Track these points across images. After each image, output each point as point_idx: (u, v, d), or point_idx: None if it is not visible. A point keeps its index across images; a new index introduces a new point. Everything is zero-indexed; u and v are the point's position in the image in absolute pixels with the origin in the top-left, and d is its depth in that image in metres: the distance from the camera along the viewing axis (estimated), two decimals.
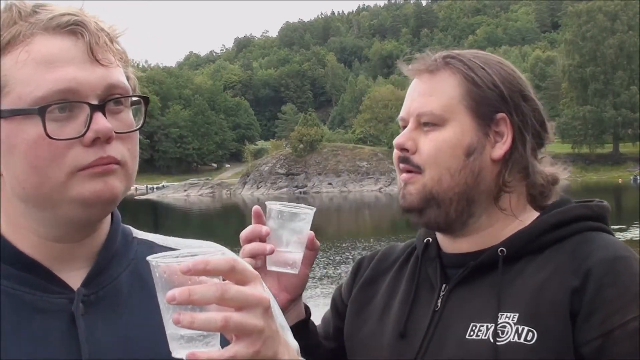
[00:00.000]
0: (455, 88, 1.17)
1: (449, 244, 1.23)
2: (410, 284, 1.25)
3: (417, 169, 1.17)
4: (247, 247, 1.20)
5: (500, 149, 1.16)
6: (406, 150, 1.18)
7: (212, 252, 0.81)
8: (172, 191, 75.46)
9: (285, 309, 1.23)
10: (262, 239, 1.19)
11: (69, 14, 0.91)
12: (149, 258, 0.81)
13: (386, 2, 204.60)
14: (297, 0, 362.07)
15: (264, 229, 1.19)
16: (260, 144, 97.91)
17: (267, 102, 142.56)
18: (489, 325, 1.09)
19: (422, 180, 1.16)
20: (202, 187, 74.07)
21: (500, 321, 1.09)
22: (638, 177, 60.70)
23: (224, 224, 40.39)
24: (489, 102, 1.16)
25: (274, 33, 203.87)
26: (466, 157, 1.15)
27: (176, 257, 0.80)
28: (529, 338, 1.05)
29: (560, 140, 77.58)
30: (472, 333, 1.11)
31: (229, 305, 0.78)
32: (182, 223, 41.59)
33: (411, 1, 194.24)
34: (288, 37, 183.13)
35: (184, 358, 0.78)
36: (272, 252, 1.17)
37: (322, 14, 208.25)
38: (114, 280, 0.96)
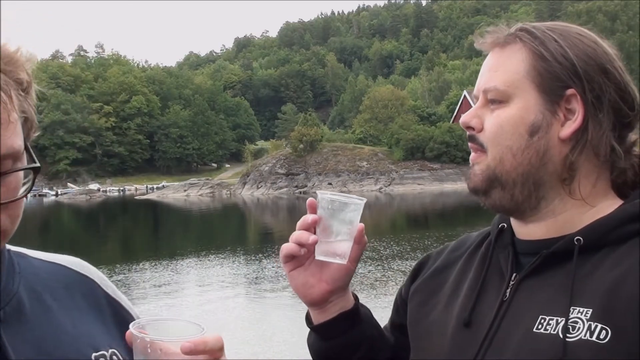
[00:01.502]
0: (521, 62, 1.10)
1: (522, 230, 1.16)
2: (479, 271, 1.19)
3: (482, 148, 1.13)
4: (295, 234, 1.18)
5: (569, 127, 1.08)
6: (472, 128, 1.14)
7: (196, 329, 0.90)
8: (172, 191, 75.41)
9: (322, 301, 1.21)
10: (308, 227, 1.16)
11: None
12: (134, 331, 0.89)
13: (386, 2, 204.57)
14: (297, 0, 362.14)
15: (311, 217, 1.16)
16: (260, 144, 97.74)
17: (267, 102, 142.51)
18: (559, 320, 1.02)
19: (486, 160, 1.12)
20: (202, 187, 74.02)
21: (571, 316, 1.01)
22: None
23: (224, 224, 40.39)
24: (558, 76, 1.07)
25: (274, 33, 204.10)
26: (530, 136, 1.08)
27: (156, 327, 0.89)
28: (601, 336, 0.98)
29: None
30: (540, 326, 1.04)
31: None
32: (182, 223, 41.60)
33: (411, 1, 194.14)
34: (288, 37, 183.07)
35: None
36: (314, 242, 1.15)
37: (322, 14, 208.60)
38: (14, 295, 0.96)
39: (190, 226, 39.29)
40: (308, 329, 1.26)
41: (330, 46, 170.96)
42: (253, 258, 21.83)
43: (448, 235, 25.39)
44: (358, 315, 1.26)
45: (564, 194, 1.11)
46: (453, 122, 71.76)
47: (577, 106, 1.08)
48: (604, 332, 0.98)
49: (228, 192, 70.40)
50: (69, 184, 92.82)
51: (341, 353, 1.23)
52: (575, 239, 1.07)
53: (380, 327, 1.33)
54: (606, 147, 1.08)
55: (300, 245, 1.16)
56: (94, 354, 0.95)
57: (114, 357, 0.98)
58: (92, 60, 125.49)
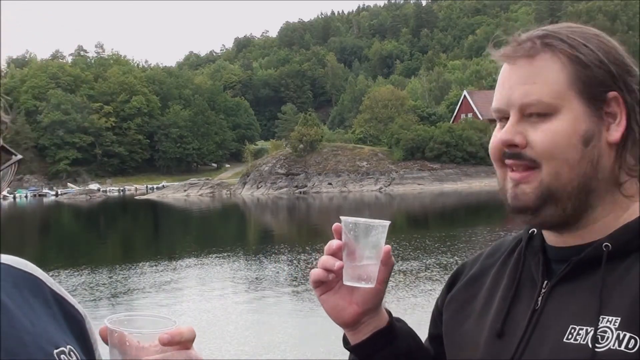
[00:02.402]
0: (561, 72, 1.05)
1: (554, 236, 1.13)
2: (511, 279, 1.17)
3: (533, 164, 1.06)
4: (321, 259, 1.17)
5: (616, 130, 1.06)
6: (515, 145, 1.07)
7: (166, 322, 0.93)
8: (172, 191, 75.43)
9: (355, 322, 1.21)
10: (334, 252, 1.15)
11: None
12: (110, 326, 0.91)
13: (386, 2, 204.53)
14: (297, 0, 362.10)
15: (336, 243, 1.15)
16: (260, 144, 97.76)
17: (267, 102, 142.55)
18: (589, 329, 1.01)
19: (539, 176, 1.06)
20: (202, 187, 74.02)
21: (600, 325, 1.00)
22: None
23: (224, 224, 40.38)
24: (599, 82, 1.05)
25: (274, 33, 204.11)
26: (584, 146, 1.05)
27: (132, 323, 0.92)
28: (630, 346, 0.96)
29: None
30: (570, 336, 1.03)
31: None
32: (182, 223, 41.58)
33: (411, 1, 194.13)
34: (288, 37, 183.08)
35: None
36: (340, 267, 1.14)
37: (322, 14, 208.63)
38: None
39: (190, 226, 39.28)
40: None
41: (330, 46, 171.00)
42: (253, 258, 21.83)
43: (449, 235, 25.38)
44: (393, 331, 1.24)
45: (609, 200, 1.08)
46: (453, 122, 71.78)
47: (618, 108, 1.06)
48: (632, 341, 0.96)
49: (228, 192, 70.40)
50: (69, 184, 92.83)
51: None
52: (604, 245, 1.05)
53: (419, 338, 1.32)
54: None
55: (327, 270, 1.16)
56: (55, 351, 0.97)
57: (72, 353, 1.00)
58: (92, 60, 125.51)
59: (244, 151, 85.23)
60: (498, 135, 1.10)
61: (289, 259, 20.63)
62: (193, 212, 51.94)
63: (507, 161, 1.08)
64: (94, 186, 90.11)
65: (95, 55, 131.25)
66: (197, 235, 32.64)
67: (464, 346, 1.19)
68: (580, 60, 1.05)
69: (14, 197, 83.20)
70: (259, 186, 67.80)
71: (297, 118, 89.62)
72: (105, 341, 0.94)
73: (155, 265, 20.35)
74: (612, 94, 1.06)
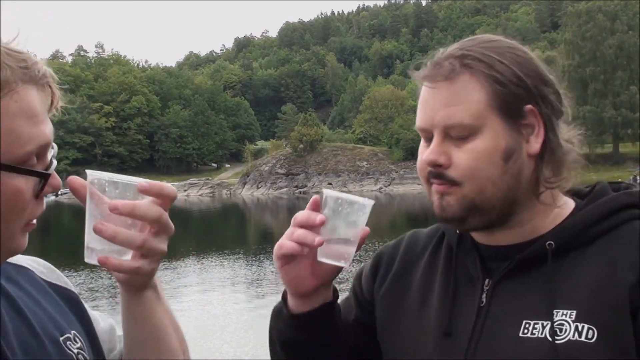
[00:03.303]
0: (480, 92, 1.09)
1: (484, 237, 1.18)
2: (447, 277, 1.19)
3: (453, 183, 1.11)
4: (297, 233, 1.11)
5: (535, 142, 1.11)
6: (439, 165, 1.11)
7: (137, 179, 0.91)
8: None
9: (310, 293, 1.19)
10: (314, 226, 1.11)
11: (38, 64, 0.90)
12: (88, 171, 0.91)
13: (386, 2, 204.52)
14: (297, 0, 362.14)
15: (318, 217, 1.10)
16: (260, 144, 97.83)
17: (267, 102, 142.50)
18: (545, 323, 1.05)
19: (461, 192, 1.10)
20: (202, 187, 74.03)
21: (556, 319, 1.04)
22: (638, 177, 60.69)
23: (224, 224, 40.38)
24: (516, 97, 1.09)
25: (274, 33, 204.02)
26: (505, 162, 1.09)
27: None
28: (589, 336, 1.01)
29: None
30: (526, 331, 1.06)
31: (155, 226, 0.93)
32: (182, 223, 41.57)
33: (411, 1, 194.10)
34: (288, 37, 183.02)
35: (96, 263, 0.89)
36: (320, 243, 1.09)
37: (322, 14, 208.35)
38: None
39: (190, 226, 39.27)
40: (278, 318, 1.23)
41: (330, 46, 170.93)
42: (253, 258, 21.82)
43: None
44: (337, 306, 1.25)
45: (532, 204, 1.13)
46: None
47: (535, 120, 1.10)
48: (590, 332, 1.01)
49: (228, 192, 70.40)
50: None
51: (314, 342, 1.21)
52: (547, 243, 1.09)
53: (349, 321, 1.31)
54: (562, 150, 1.13)
55: (303, 245, 1.11)
56: (61, 338, 0.97)
57: (76, 338, 1.00)
58: (92, 60, 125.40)
59: (244, 151, 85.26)
60: (423, 156, 1.13)
61: None
62: (193, 212, 51.92)
63: (432, 180, 1.12)
64: None
65: (95, 55, 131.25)
66: (197, 235, 32.62)
67: (408, 346, 1.19)
68: (497, 79, 1.08)
69: None
70: (259, 186, 67.80)
71: (297, 118, 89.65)
72: (74, 191, 0.93)
73: None
74: (528, 107, 1.09)
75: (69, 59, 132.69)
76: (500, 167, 1.09)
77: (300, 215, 1.13)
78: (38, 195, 0.90)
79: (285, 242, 1.13)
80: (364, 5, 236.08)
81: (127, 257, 0.92)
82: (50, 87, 0.91)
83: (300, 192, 63.67)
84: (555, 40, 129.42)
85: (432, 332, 1.16)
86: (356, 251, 1.14)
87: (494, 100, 1.09)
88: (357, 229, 1.11)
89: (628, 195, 1.14)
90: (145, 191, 0.89)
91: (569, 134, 1.16)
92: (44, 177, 0.89)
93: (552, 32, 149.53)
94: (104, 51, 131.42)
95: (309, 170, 67.21)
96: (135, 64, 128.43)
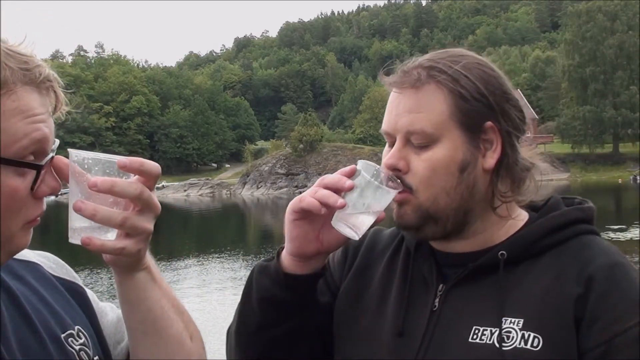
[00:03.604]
0: (443, 103, 1.13)
1: (441, 244, 1.22)
2: (404, 280, 1.23)
3: (409, 189, 1.14)
4: (321, 192, 1.11)
5: (491, 158, 1.15)
6: (398, 170, 1.15)
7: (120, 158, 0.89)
8: (172, 191, 75.42)
9: (309, 256, 1.19)
10: (341, 189, 1.11)
11: (41, 67, 0.90)
12: (70, 150, 0.90)
13: (386, 2, 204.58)
14: (297, 0, 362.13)
15: (348, 182, 1.10)
16: (260, 144, 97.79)
17: (267, 102, 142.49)
18: (493, 330, 1.09)
19: (416, 201, 1.14)
20: (202, 187, 74.06)
21: (504, 326, 1.08)
22: (638, 177, 60.67)
23: (224, 224, 40.38)
24: (477, 113, 1.14)
25: (274, 33, 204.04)
26: (460, 174, 1.14)
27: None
28: (535, 344, 1.05)
29: (560, 140, 77.52)
30: (475, 337, 1.10)
31: (137, 204, 0.90)
32: (182, 223, 41.57)
33: (411, 1, 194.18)
34: (288, 37, 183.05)
35: (79, 243, 0.88)
36: (342, 206, 1.09)
37: (322, 14, 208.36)
38: None
39: (190, 226, 39.28)
40: (263, 273, 1.22)
41: (330, 46, 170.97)
42: (253, 258, 21.81)
43: None
44: (318, 279, 1.26)
45: (487, 216, 1.18)
46: None
47: (494, 136, 1.15)
48: (536, 340, 1.05)
49: (228, 192, 70.41)
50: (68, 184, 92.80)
51: (298, 303, 1.21)
52: (500, 253, 1.13)
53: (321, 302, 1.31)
54: (519, 166, 1.17)
55: (325, 205, 1.10)
56: (62, 335, 0.97)
57: (80, 333, 1.00)
58: (92, 60, 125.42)
59: (244, 151, 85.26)
60: (384, 160, 1.18)
61: None
62: (193, 212, 51.93)
63: (390, 183, 1.14)
64: None
65: (95, 55, 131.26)
66: (197, 235, 32.63)
67: (363, 342, 1.22)
68: (460, 93, 1.12)
69: None
70: (259, 186, 67.80)
71: (297, 118, 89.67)
72: (58, 170, 0.92)
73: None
74: (488, 123, 1.14)
75: (69, 59, 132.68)
76: (455, 177, 1.13)
77: (330, 177, 1.13)
78: (34, 191, 0.89)
79: (306, 197, 1.13)
80: (364, 5, 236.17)
81: (111, 237, 0.90)
82: (54, 91, 0.91)
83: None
84: (555, 40, 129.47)
85: (387, 331, 1.19)
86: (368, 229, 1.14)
87: (455, 113, 1.13)
88: (380, 207, 1.11)
89: (579, 211, 1.18)
90: (124, 167, 0.87)
91: (530, 153, 1.20)
92: (36, 168, 0.88)
93: (552, 32, 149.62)
94: (104, 51, 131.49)
95: (309, 170, 67.19)
96: (135, 64, 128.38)
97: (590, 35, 74.38)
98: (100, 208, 0.87)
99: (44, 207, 0.92)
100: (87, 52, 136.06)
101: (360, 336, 1.23)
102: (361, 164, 1.13)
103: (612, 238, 20.39)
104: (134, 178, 0.90)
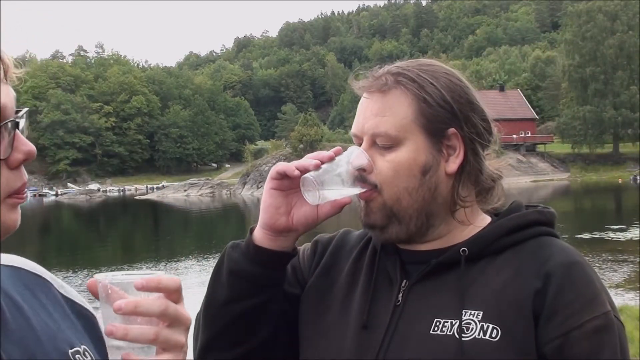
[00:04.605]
0: (408, 108, 1.19)
1: (406, 245, 1.26)
2: (369, 277, 1.28)
3: (374, 187, 1.20)
4: (301, 160, 1.19)
5: (453, 162, 1.20)
6: (363, 170, 1.20)
7: (151, 273, 0.92)
8: (172, 191, 75.42)
9: (279, 231, 1.23)
10: (321, 158, 1.18)
11: None
12: (97, 276, 0.91)
13: (386, 2, 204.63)
14: (297, 0, 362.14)
15: (328, 154, 1.19)
16: (260, 144, 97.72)
17: (267, 102, 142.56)
18: (453, 322, 1.13)
19: (381, 199, 1.20)
20: (202, 187, 74.05)
21: (464, 318, 1.13)
22: (638, 177, 60.70)
23: (224, 224, 40.37)
24: (441, 119, 1.18)
25: (274, 33, 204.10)
26: (422, 176, 1.18)
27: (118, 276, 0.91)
28: (493, 335, 1.10)
29: (560, 140, 77.56)
30: (436, 328, 1.14)
31: (164, 320, 0.91)
32: (182, 223, 41.57)
33: (411, 1, 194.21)
34: (288, 37, 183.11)
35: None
36: (316, 167, 1.16)
37: (322, 14, 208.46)
38: None
39: (190, 226, 39.27)
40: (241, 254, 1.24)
41: (330, 46, 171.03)
42: None
43: None
44: (288, 260, 1.28)
45: (449, 219, 1.23)
46: None
47: (457, 142, 1.20)
48: (495, 331, 1.10)
49: (228, 192, 70.42)
50: (69, 184, 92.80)
51: (265, 277, 1.23)
52: (461, 249, 1.19)
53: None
54: (482, 173, 1.23)
55: (299, 168, 1.17)
56: (70, 351, 0.97)
57: (86, 352, 1.00)
58: (92, 60, 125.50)
59: (244, 151, 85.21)
60: None
61: None
62: (193, 212, 51.92)
63: (356, 183, 1.20)
64: (94, 186, 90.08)
65: (95, 55, 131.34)
66: (197, 235, 32.63)
67: (329, 335, 1.26)
68: (425, 99, 1.18)
69: None
70: (259, 186, 67.76)
71: (297, 118, 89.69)
72: (94, 295, 0.94)
73: (155, 266, 20.34)
74: (451, 130, 1.19)
75: (69, 59, 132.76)
76: (417, 179, 1.18)
77: (317, 153, 1.21)
78: (7, 160, 0.87)
79: (283, 163, 1.20)
80: (364, 5, 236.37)
81: (152, 353, 0.92)
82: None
83: None
84: (555, 40, 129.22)
85: (351, 325, 1.23)
86: (332, 213, 1.21)
87: (419, 118, 1.18)
88: (349, 190, 1.19)
89: (538, 214, 1.24)
90: (142, 289, 0.89)
91: (499, 164, 1.27)
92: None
93: (552, 32, 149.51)
94: (104, 51, 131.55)
95: None
96: (135, 64, 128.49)
97: (590, 35, 74.42)
98: (131, 328, 0.89)
99: (25, 177, 0.91)
100: (87, 52, 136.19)
101: (325, 331, 1.26)
102: (351, 149, 1.21)
103: (612, 238, 20.41)
104: (157, 294, 0.91)
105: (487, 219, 1.26)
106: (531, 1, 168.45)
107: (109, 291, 0.90)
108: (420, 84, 1.19)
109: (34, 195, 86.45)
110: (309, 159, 1.18)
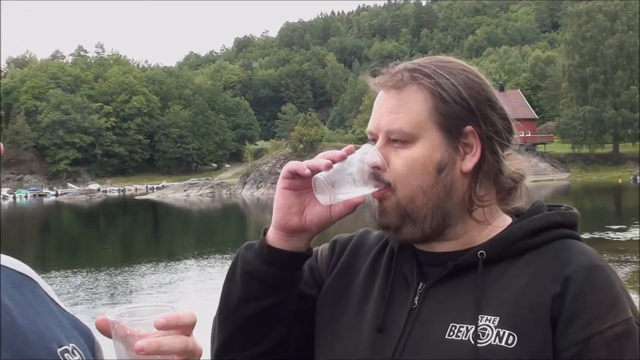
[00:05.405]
0: (423, 104, 1.16)
1: (423, 246, 1.24)
2: (385, 279, 1.26)
3: (387, 186, 1.18)
4: (313, 159, 1.16)
5: (470, 161, 1.17)
6: (377, 167, 1.18)
7: (166, 309, 0.94)
8: (172, 191, 75.42)
9: (291, 231, 1.21)
10: (332, 159, 1.15)
11: None
12: (111, 318, 0.92)
13: (386, 2, 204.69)
14: (297, 0, 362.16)
15: (340, 153, 1.16)
16: (260, 144, 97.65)
17: (267, 102, 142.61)
18: (469, 327, 1.11)
19: (394, 198, 1.18)
20: (202, 187, 74.04)
21: (480, 323, 1.10)
22: (638, 177, 60.70)
23: (224, 224, 40.37)
24: (457, 116, 1.16)
25: (274, 33, 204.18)
26: (437, 174, 1.16)
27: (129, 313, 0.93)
28: (509, 341, 1.08)
29: (560, 140, 77.53)
30: (451, 333, 1.12)
31: (183, 356, 0.94)
32: (182, 223, 41.57)
33: (411, 1, 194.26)
34: (288, 37, 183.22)
35: None
36: (327, 167, 1.13)
37: (322, 14, 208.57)
38: None
39: (190, 226, 39.28)
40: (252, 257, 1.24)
41: (330, 46, 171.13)
42: None
43: None
44: (303, 260, 1.27)
45: (466, 219, 1.20)
46: None
47: (474, 141, 1.16)
48: (511, 337, 1.07)
49: (228, 192, 70.43)
50: (69, 184, 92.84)
51: (278, 277, 1.23)
52: (479, 252, 1.15)
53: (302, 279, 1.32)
54: (502, 172, 1.19)
55: (310, 167, 1.14)
56: (58, 349, 0.98)
57: (75, 350, 1.00)
58: (92, 60, 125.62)
59: (244, 151, 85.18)
60: None
61: None
62: (193, 212, 51.94)
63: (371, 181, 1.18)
64: (94, 186, 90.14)
65: (95, 55, 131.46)
66: (197, 235, 32.62)
67: (344, 337, 1.24)
68: (441, 95, 1.15)
69: (14, 197, 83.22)
70: (259, 186, 67.80)
71: (297, 118, 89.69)
72: (105, 333, 0.95)
73: (155, 266, 20.33)
74: (468, 127, 1.16)
75: (69, 59, 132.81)
76: (432, 177, 1.15)
77: (330, 152, 1.18)
78: None
79: (294, 162, 1.19)
80: (364, 5, 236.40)
81: None
82: None
83: None
84: (555, 40, 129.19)
85: (366, 328, 1.22)
86: (346, 212, 1.19)
87: (434, 114, 1.15)
88: (361, 192, 1.16)
89: (560, 215, 1.20)
90: (163, 327, 0.91)
91: (520, 165, 1.23)
92: None
93: (552, 32, 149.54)
94: (104, 51, 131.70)
95: None
96: (135, 64, 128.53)
97: (590, 35, 74.40)
98: None
99: (1, 148, 0.91)
100: (87, 52, 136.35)
101: (340, 332, 1.25)
102: (365, 148, 1.18)
103: (612, 238, 20.40)
104: (174, 332, 0.93)
105: (508, 220, 1.23)
106: (531, 1, 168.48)
107: (127, 332, 0.91)
108: (436, 80, 1.16)
109: (34, 195, 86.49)
110: (320, 158, 1.15)
